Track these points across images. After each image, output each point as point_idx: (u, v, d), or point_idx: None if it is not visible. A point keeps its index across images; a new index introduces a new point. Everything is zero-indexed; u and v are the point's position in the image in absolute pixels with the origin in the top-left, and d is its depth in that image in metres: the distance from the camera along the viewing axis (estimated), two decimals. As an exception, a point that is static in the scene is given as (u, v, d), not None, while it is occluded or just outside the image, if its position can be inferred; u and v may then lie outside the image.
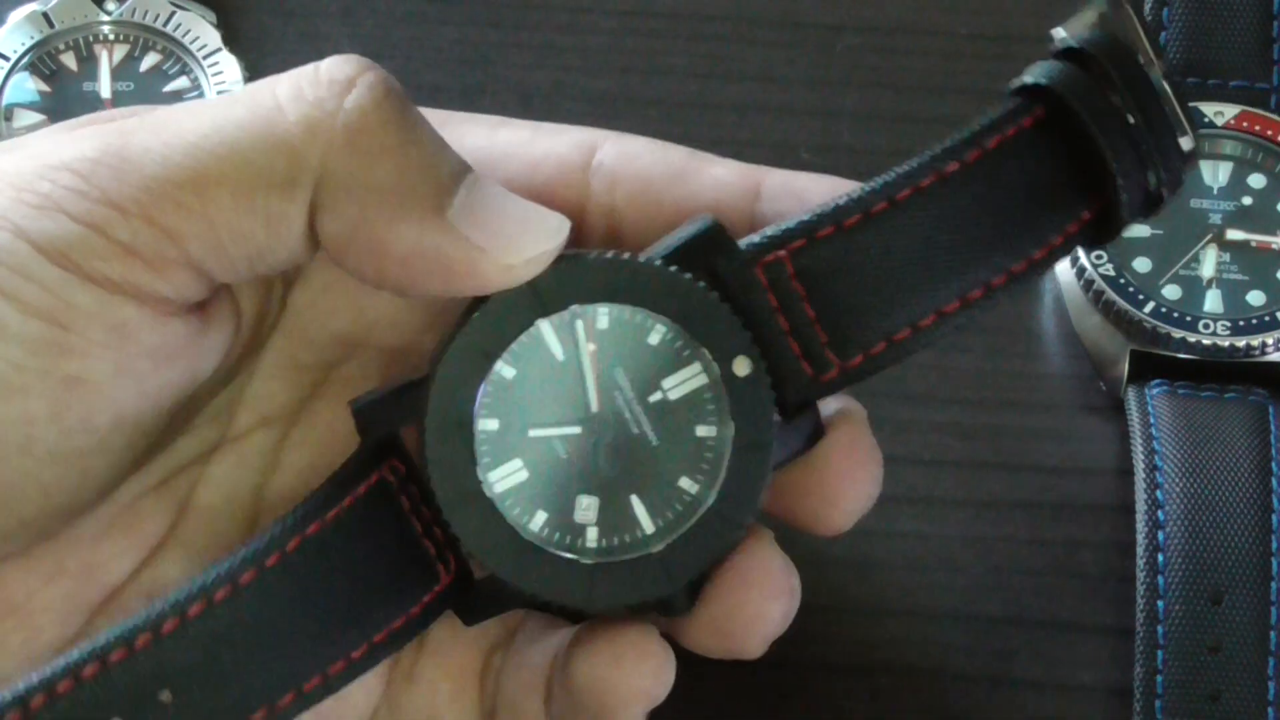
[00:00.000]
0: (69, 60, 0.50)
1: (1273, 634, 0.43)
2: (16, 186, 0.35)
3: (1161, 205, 0.37)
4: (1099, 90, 0.36)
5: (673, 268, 0.36)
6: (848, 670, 0.44)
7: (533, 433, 0.36)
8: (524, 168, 0.38)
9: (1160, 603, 0.43)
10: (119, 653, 0.34)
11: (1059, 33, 0.37)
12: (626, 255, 0.36)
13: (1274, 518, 0.44)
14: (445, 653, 0.39)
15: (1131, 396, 0.46)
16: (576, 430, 0.36)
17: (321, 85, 0.35)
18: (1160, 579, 0.43)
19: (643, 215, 0.38)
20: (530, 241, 0.35)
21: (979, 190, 0.36)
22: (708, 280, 0.36)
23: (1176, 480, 0.44)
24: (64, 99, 0.50)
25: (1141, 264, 0.47)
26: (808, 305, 0.36)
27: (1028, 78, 0.37)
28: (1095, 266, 0.47)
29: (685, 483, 0.36)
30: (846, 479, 0.37)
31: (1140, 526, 0.44)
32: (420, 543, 0.36)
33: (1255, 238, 0.48)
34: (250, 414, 0.39)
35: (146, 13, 0.50)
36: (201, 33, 0.50)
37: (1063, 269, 0.48)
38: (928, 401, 0.47)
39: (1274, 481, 0.44)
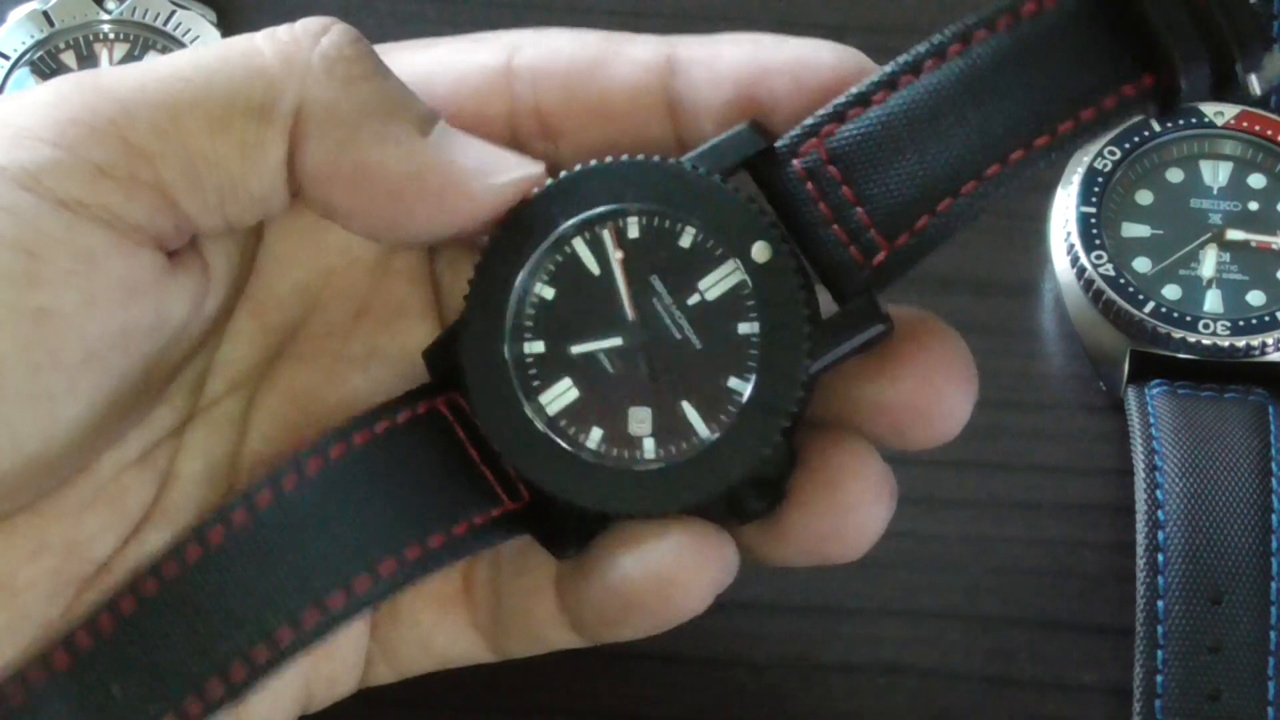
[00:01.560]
0: (69, 59, 0.50)
1: (1273, 634, 0.43)
2: None
3: (1233, 81, 0.35)
4: None
5: (685, 163, 0.36)
6: (848, 670, 0.44)
7: (574, 349, 0.36)
8: (451, 83, 0.38)
9: (1160, 603, 0.43)
10: (151, 583, 0.35)
11: None
12: (640, 157, 0.36)
13: (1274, 517, 0.44)
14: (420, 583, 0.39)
15: (1131, 396, 0.46)
16: (617, 341, 0.36)
17: (296, 31, 0.36)
18: (1160, 579, 0.43)
19: (569, 110, 0.38)
20: (508, 165, 0.36)
21: (1016, 51, 0.35)
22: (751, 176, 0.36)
23: (1176, 480, 0.44)
24: (64, 98, 0.50)
25: (1141, 264, 0.47)
26: (846, 188, 0.36)
27: None
28: (1095, 266, 0.47)
29: (734, 383, 0.36)
30: (939, 377, 0.37)
31: (1140, 526, 0.44)
32: (477, 468, 0.37)
33: (1255, 238, 0.48)
34: (220, 380, 0.39)
35: (146, 12, 0.50)
36: (202, 32, 0.50)
37: (1063, 269, 0.48)
38: (928, 401, 0.46)
39: (1274, 481, 0.44)
